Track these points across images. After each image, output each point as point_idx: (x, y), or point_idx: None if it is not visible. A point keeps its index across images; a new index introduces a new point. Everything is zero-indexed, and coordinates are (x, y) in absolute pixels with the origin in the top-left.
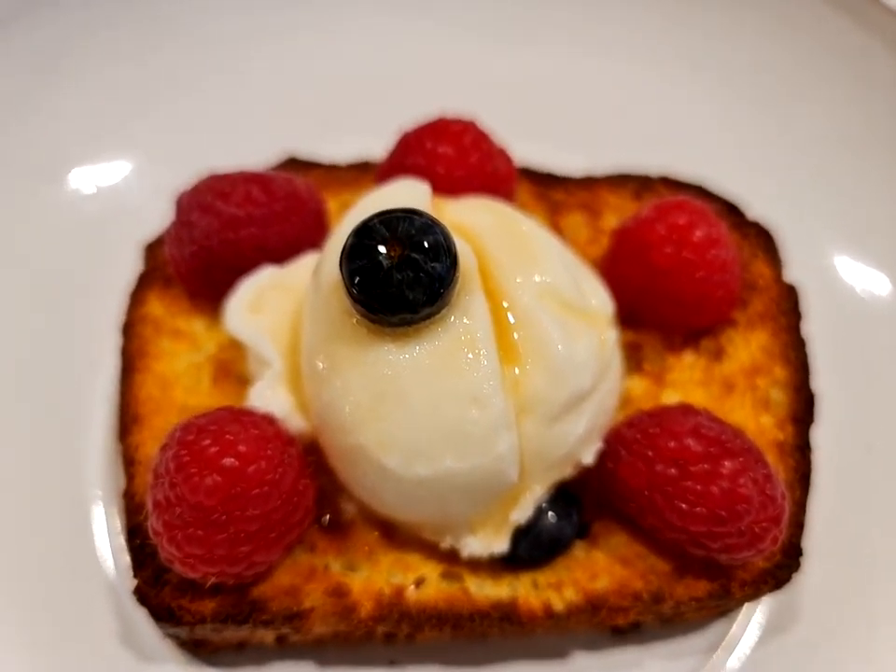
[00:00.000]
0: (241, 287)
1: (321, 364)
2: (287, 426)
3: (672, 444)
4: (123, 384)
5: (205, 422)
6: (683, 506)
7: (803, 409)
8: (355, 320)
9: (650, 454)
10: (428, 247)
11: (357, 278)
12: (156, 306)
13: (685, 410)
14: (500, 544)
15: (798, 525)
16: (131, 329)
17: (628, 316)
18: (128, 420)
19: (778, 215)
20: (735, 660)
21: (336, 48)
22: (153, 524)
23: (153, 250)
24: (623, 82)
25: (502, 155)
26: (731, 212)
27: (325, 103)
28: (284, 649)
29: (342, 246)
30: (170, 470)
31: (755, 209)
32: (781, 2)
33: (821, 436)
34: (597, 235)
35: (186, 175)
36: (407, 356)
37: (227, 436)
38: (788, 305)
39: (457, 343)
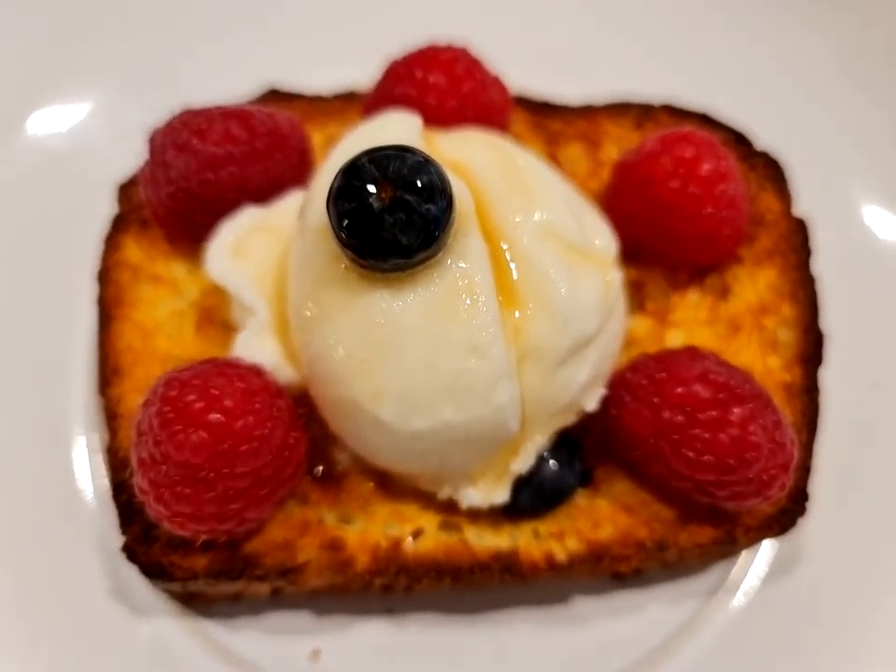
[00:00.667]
0: (222, 229)
1: (309, 312)
2: (275, 376)
3: (679, 390)
4: (102, 334)
5: (189, 376)
6: (691, 454)
7: (811, 350)
8: (344, 266)
9: (656, 400)
10: (422, 187)
11: (346, 221)
12: (133, 251)
13: (692, 353)
14: (501, 494)
15: (805, 468)
16: (107, 276)
17: (631, 253)
18: (108, 372)
19: (788, 145)
20: (736, 602)
21: None
22: (139, 482)
23: (127, 191)
24: (623, 5)
25: (496, 83)
26: (738, 142)
27: (307, 29)
28: (279, 599)
29: (328, 187)
30: (153, 427)
31: (763, 139)
32: None
33: (827, 376)
34: (597, 168)
35: (159, 109)
36: (401, 302)
37: (212, 390)
38: (797, 241)
39: (454, 288)
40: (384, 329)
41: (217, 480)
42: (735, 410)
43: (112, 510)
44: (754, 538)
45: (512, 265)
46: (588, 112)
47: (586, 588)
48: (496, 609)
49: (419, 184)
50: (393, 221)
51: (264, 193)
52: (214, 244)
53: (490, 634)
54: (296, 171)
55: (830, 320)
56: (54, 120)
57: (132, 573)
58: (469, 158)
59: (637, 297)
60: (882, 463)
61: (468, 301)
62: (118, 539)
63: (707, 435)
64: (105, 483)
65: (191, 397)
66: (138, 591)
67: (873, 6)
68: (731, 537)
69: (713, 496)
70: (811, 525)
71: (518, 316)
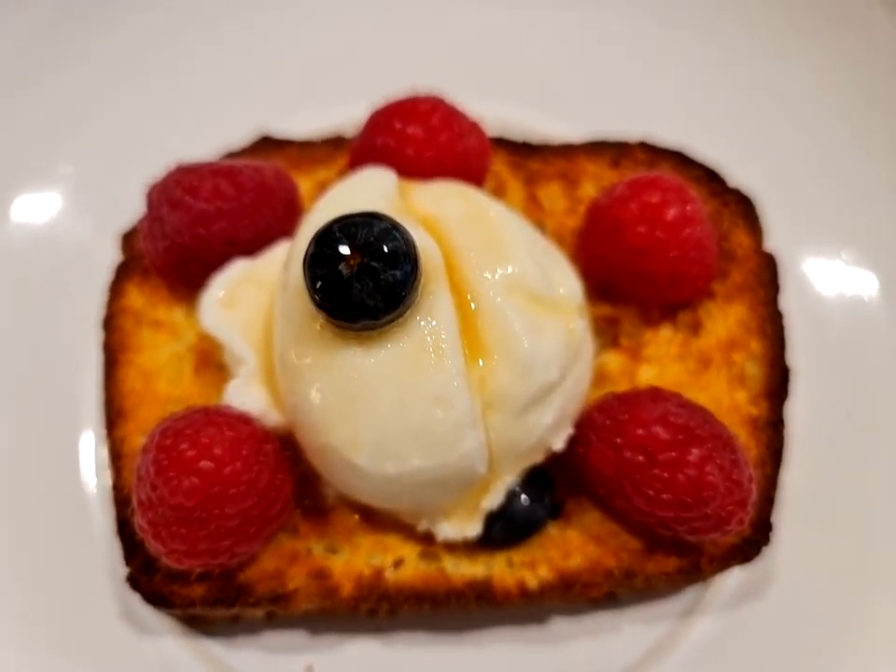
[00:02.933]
0: (213, 282)
1: (291, 364)
2: (263, 422)
3: (640, 432)
4: (107, 378)
5: (182, 425)
6: (650, 493)
7: (777, 384)
8: (319, 325)
9: (618, 440)
10: (388, 253)
11: (319, 284)
12: (135, 297)
13: (654, 395)
14: (473, 529)
15: (769, 500)
16: (112, 322)
17: (605, 290)
18: (113, 414)
19: (760, 182)
20: (710, 623)
21: (300, 22)
22: (139, 521)
23: (129, 239)
24: (603, 45)
25: (474, 130)
26: (711, 179)
27: (294, 77)
28: (275, 620)
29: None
30: (150, 473)
31: (736, 176)
32: None
33: (800, 405)
34: (575, 205)
35: (158, 159)
36: (373, 359)
37: (203, 439)
38: (766, 277)
39: (421, 344)
40: (356, 384)
41: (209, 520)
42: (693, 450)
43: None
44: (718, 567)
45: (478, 318)
46: (567, 151)
47: (562, 609)
48: (478, 628)
49: (385, 250)
50: (360, 287)
51: (253, 244)
52: (205, 297)
53: (473, 652)
54: (282, 222)
55: (798, 353)
56: (63, 172)
57: (138, 597)
58: (441, 211)
59: (610, 333)
60: (857, 489)
61: (433, 356)
62: (124, 568)
63: (665, 475)
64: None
65: (184, 445)
66: (144, 613)
67: (847, 44)
68: (696, 566)
69: (673, 530)
70: (782, 547)
71: (483, 366)
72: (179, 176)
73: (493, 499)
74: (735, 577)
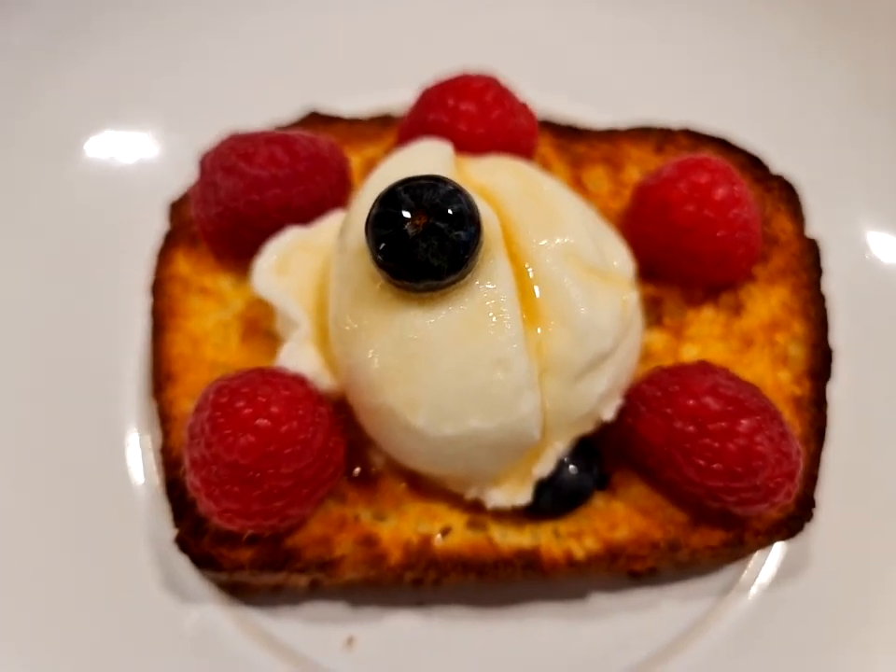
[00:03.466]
0: (267, 248)
1: (349, 326)
2: (316, 385)
3: (691, 402)
4: (155, 342)
5: (238, 384)
6: (701, 462)
7: (820, 364)
8: (380, 285)
9: (668, 411)
10: (453, 215)
11: (383, 245)
12: (183, 265)
13: (703, 368)
14: (523, 496)
15: (812, 477)
16: (159, 289)
17: (649, 271)
18: (161, 377)
19: (803, 169)
20: (747, 601)
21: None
22: (192, 480)
23: (178, 209)
24: (646, 35)
25: (524, 110)
26: (754, 166)
27: (345, 58)
28: (317, 591)
29: (367, 212)
30: (205, 431)
31: (779, 163)
32: None
33: (840, 388)
34: (619, 188)
35: (207, 134)
36: (433, 320)
37: (259, 398)
38: (809, 261)
39: (482, 307)
40: (417, 344)
41: (263, 479)
42: (743, 421)
43: (162, 505)
44: (763, 541)
45: (536, 286)
46: (611, 136)
47: (603, 586)
48: (518, 603)
49: (450, 212)
50: (426, 246)
51: (306, 213)
52: (260, 262)
53: (512, 626)
54: (335, 192)
55: (841, 337)
56: (113, 144)
57: (180, 564)
58: (497, 184)
59: (654, 313)
60: (893, 472)
61: (494, 319)
62: (167, 533)
63: (716, 444)
64: (156, 480)
65: (240, 403)
66: (187, 581)
67: (886, 34)
68: (740, 539)
69: (723, 501)
70: (821, 529)
71: (540, 333)
72: (234, 143)
73: (544, 467)
74: (773, 557)
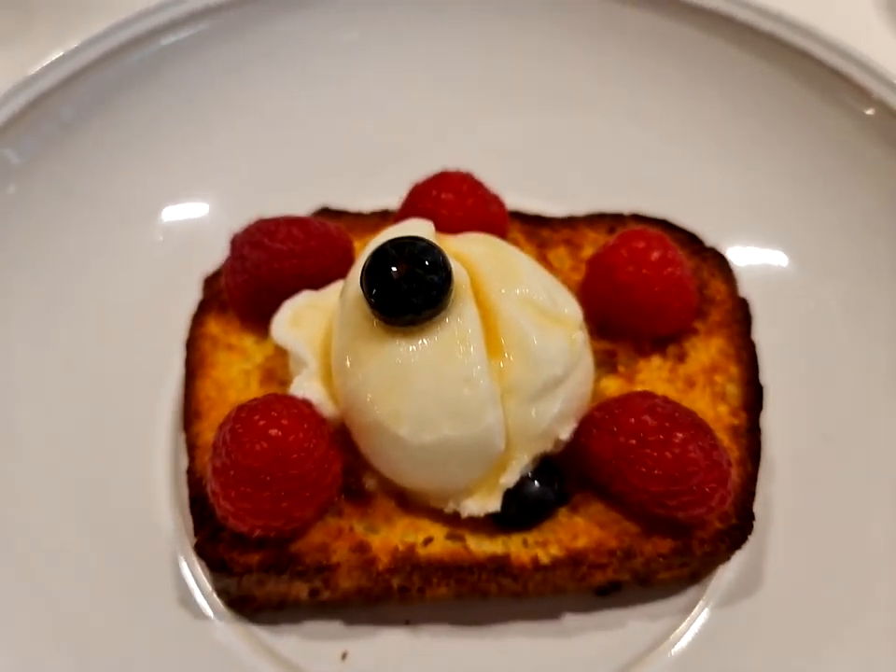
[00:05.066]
0: (284, 306)
1: (348, 360)
2: (320, 410)
3: (632, 420)
4: (187, 387)
5: (256, 403)
6: (643, 469)
7: (753, 399)
8: (374, 323)
9: (614, 428)
10: (428, 264)
11: (374, 289)
12: (213, 326)
13: (644, 394)
14: (493, 504)
15: (750, 493)
16: (193, 344)
17: (604, 328)
18: (191, 415)
19: (731, 242)
20: (706, 619)
21: (362, 122)
22: (212, 486)
23: (211, 282)
24: (599, 138)
25: (495, 200)
26: (692, 241)
27: (353, 166)
28: (316, 609)
29: (361, 268)
30: (226, 441)
31: (711, 238)
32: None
33: (777, 425)
34: (578, 264)
35: (240, 221)
36: (413, 347)
37: (272, 413)
38: (740, 315)
39: (453, 337)
40: (400, 368)
41: (273, 481)
42: (678, 434)
43: (180, 529)
44: (709, 549)
45: (498, 326)
46: (571, 221)
47: (574, 606)
48: (497, 622)
49: (426, 261)
50: (407, 288)
51: (316, 280)
52: (278, 316)
53: (491, 642)
54: (340, 264)
55: (771, 377)
56: (167, 228)
57: (191, 583)
58: (469, 250)
59: (609, 362)
60: (837, 502)
61: (461, 347)
62: (186, 554)
63: (655, 454)
64: (177, 501)
65: (257, 416)
66: (197, 598)
67: (815, 126)
68: (688, 547)
69: (666, 507)
70: (773, 548)
71: (502, 364)
72: (260, 224)
73: (510, 477)
74: (729, 576)
